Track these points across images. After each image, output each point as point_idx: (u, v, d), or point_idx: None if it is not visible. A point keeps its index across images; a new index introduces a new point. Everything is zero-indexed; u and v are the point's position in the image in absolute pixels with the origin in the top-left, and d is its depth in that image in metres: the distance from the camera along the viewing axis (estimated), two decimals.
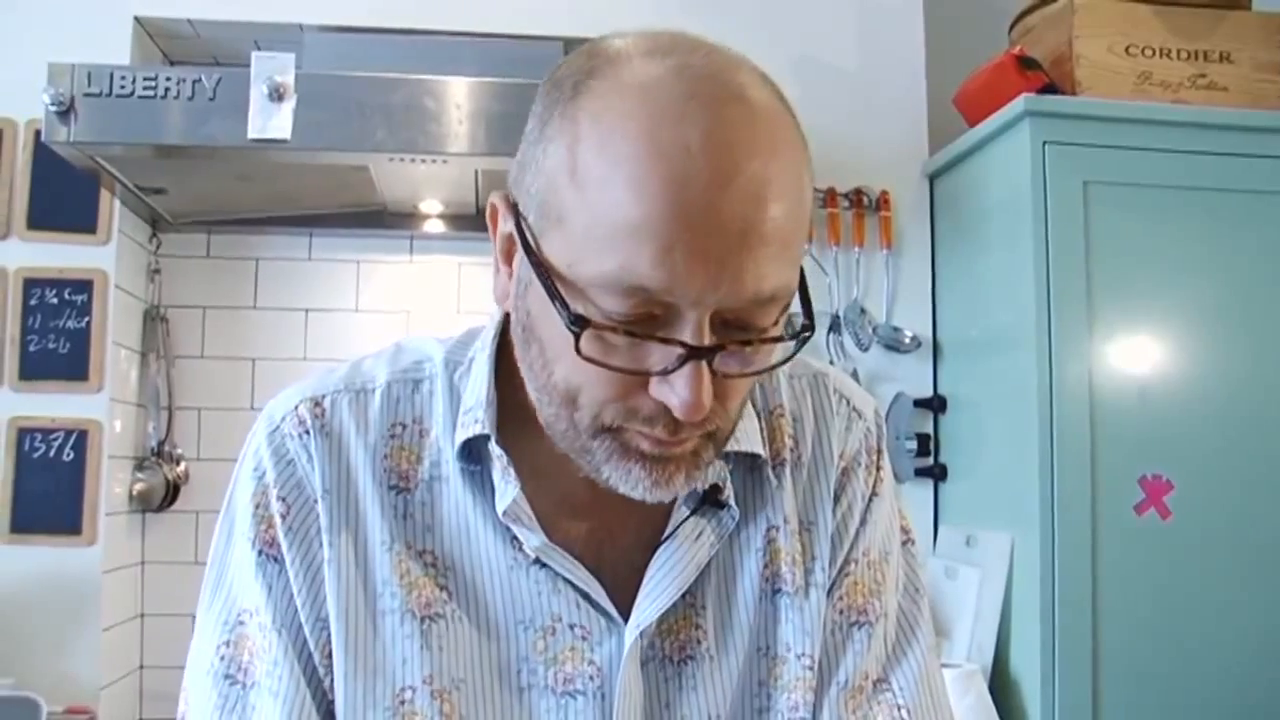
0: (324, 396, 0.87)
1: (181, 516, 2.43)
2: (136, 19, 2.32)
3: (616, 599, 0.85)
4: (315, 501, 0.84)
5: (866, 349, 2.37)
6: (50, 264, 2.25)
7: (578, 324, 0.69)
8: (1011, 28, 2.41)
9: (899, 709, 0.90)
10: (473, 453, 0.85)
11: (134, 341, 2.39)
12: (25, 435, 2.21)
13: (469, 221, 2.49)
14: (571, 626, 0.84)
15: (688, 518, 0.86)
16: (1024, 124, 2.08)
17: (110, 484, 2.23)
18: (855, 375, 2.36)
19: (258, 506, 0.85)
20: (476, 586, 0.85)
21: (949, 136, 2.38)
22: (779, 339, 0.73)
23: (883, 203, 2.42)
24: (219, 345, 2.48)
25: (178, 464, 2.42)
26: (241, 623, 0.84)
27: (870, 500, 0.94)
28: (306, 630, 0.83)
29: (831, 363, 2.36)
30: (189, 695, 0.87)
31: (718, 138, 0.68)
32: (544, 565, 0.84)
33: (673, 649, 0.87)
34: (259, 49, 2.33)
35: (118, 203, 2.28)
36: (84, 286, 2.25)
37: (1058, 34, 2.19)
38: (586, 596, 0.84)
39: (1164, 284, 2.09)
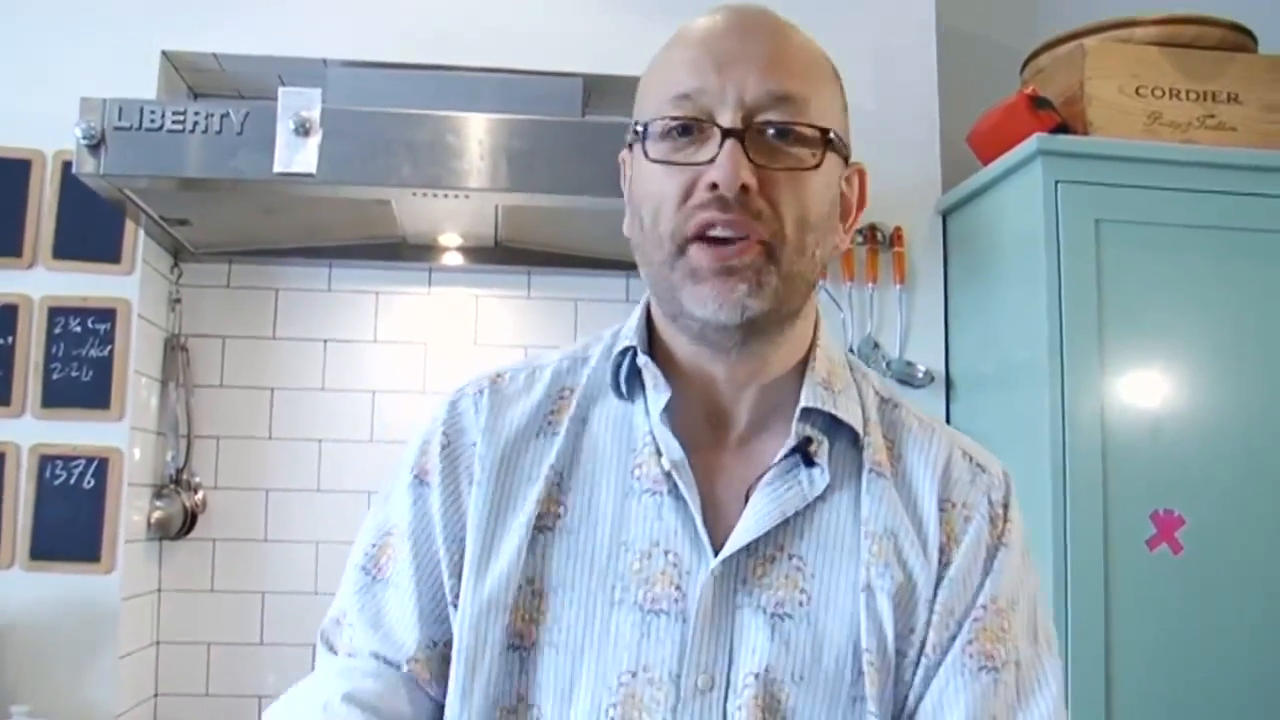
0: (505, 372, 1.06)
1: (199, 544, 2.44)
2: (164, 53, 2.36)
3: (715, 538, 0.94)
4: (475, 441, 1.01)
5: None
6: (74, 293, 2.28)
7: (641, 133, 0.94)
8: (1023, 68, 2.45)
9: None
10: (621, 382, 1.00)
11: (155, 370, 2.41)
12: (47, 463, 2.23)
13: (487, 254, 2.52)
14: (666, 552, 0.94)
15: (775, 465, 0.95)
16: (1036, 163, 2.12)
17: (129, 512, 2.25)
18: None
19: (425, 443, 1.03)
20: (592, 508, 0.97)
21: (961, 174, 2.41)
22: (800, 124, 0.91)
23: (896, 239, 2.45)
24: (238, 374, 2.51)
25: (196, 492, 2.44)
26: (389, 533, 1.03)
27: (998, 550, 0.99)
28: (440, 544, 0.99)
29: None
30: (342, 580, 1.05)
31: (742, 16, 0.95)
32: (653, 494, 0.96)
33: (770, 602, 0.93)
34: (283, 83, 2.38)
35: (141, 233, 2.31)
36: (107, 315, 2.27)
37: (1069, 75, 2.23)
38: (690, 523, 0.94)
39: (1175, 320, 2.12)
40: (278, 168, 1.97)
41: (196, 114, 1.98)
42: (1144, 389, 2.10)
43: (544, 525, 0.96)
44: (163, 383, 2.45)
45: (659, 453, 0.96)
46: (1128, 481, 2.05)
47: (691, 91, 0.91)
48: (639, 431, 0.98)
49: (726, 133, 0.89)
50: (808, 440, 0.96)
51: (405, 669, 0.98)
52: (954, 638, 0.95)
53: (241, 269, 2.53)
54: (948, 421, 2.41)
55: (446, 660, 0.97)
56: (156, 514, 2.37)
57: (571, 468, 0.98)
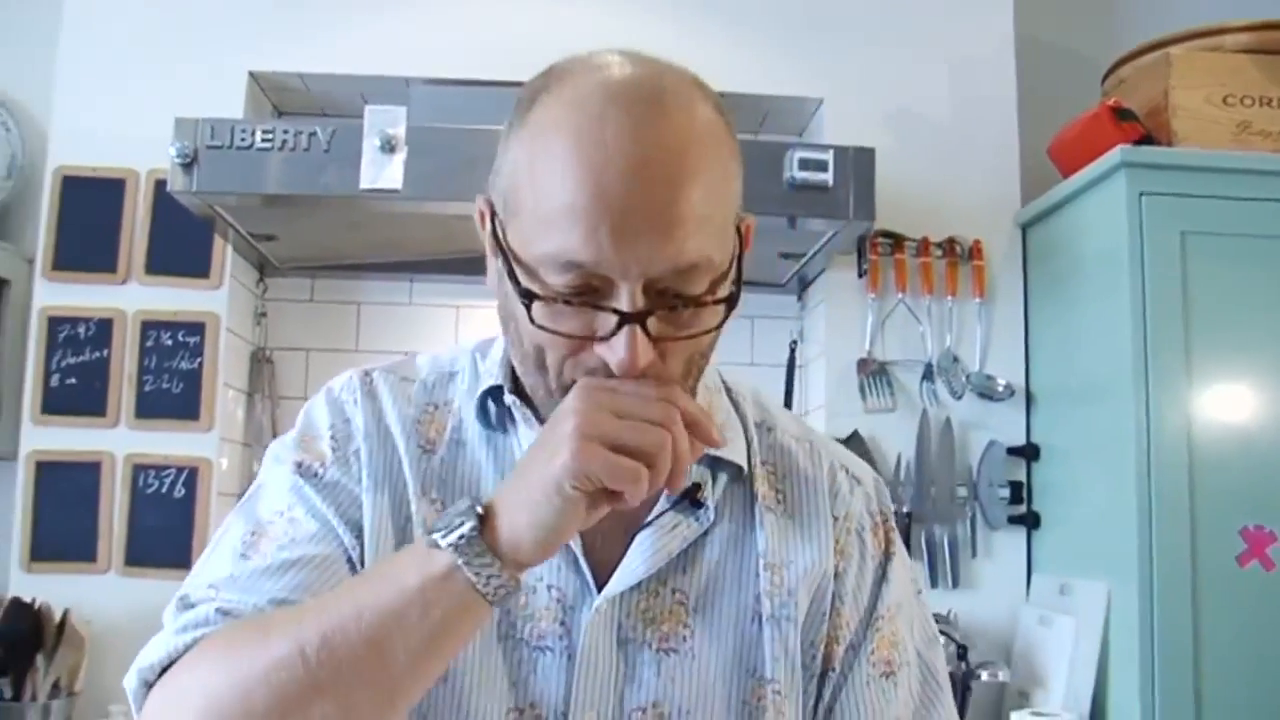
0: (373, 371, 1.02)
1: None
2: (251, 74, 2.42)
3: (598, 575, 0.93)
4: (360, 444, 0.96)
5: (960, 397, 2.38)
6: (166, 307, 2.34)
7: (527, 296, 0.82)
8: (1104, 79, 2.42)
9: None
10: (490, 416, 0.97)
11: (241, 382, 2.47)
12: (140, 472, 2.30)
13: None
14: (550, 588, 0.92)
15: (666, 510, 0.94)
16: (1120, 175, 2.09)
17: (218, 520, 2.31)
18: (948, 422, 2.38)
19: (309, 444, 0.97)
20: None
21: (1041, 187, 2.39)
22: (705, 303, 0.84)
23: (975, 252, 2.43)
24: (321, 386, 2.55)
25: None
26: (271, 522, 0.94)
27: (888, 560, 1.02)
28: (340, 532, 0.92)
29: (925, 410, 2.38)
30: (201, 564, 0.95)
31: (631, 133, 0.80)
32: None
33: (655, 638, 0.93)
34: (366, 102, 2.42)
35: (229, 248, 2.37)
36: (197, 329, 2.34)
37: (1153, 85, 2.20)
38: (572, 560, 0.92)
39: (1263, 334, 2.08)
40: (364, 184, 2.02)
41: (285, 132, 2.03)
42: (1231, 403, 2.06)
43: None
44: (249, 395, 2.50)
45: None
46: (1216, 497, 2.01)
47: (586, 263, 0.79)
48: (515, 461, 0.95)
49: (625, 316, 0.80)
50: (695, 486, 0.94)
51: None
52: (856, 649, 0.98)
53: (324, 283, 2.58)
54: (1028, 439, 2.40)
55: None
56: None
57: (452, 493, 0.95)
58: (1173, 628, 1.97)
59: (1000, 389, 2.40)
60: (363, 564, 0.92)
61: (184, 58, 2.40)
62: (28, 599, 2.14)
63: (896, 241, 2.41)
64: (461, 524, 0.79)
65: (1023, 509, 2.39)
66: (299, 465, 0.96)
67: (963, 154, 2.49)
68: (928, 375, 2.39)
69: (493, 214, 0.88)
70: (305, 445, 0.98)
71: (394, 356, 2.49)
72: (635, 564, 0.92)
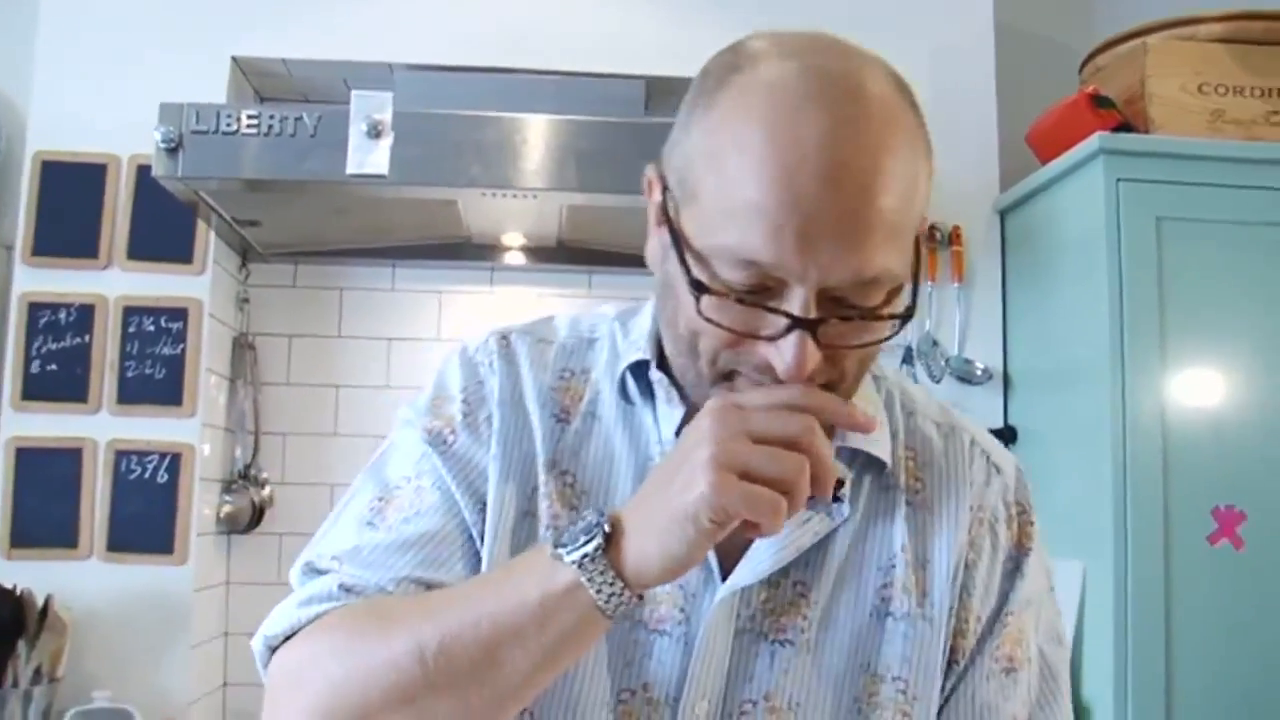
0: (511, 334, 1.01)
1: (266, 539, 2.50)
2: (234, 59, 2.41)
3: (725, 563, 0.91)
4: (492, 410, 0.95)
5: (939, 380, 2.41)
6: (148, 293, 2.33)
7: (698, 288, 0.79)
8: (1081, 67, 2.45)
9: None
10: (630, 391, 0.95)
11: (224, 368, 2.47)
12: (122, 457, 2.29)
13: (549, 254, 2.56)
14: None
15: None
16: (1098, 161, 2.13)
17: (200, 506, 2.31)
18: None
19: (441, 408, 0.97)
20: None
21: (1020, 173, 2.43)
22: (881, 317, 0.81)
23: (954, 238, 2.46)
24: (304, 372, 2.56)
25: (263, 487, 2.50)
26: (398, 488, 0.95)
27: (1021, 555, 0.99)
28: (462, 503, 0.93)
29: None
30: (329, 528, 0.97)
31: (830, 132, 0.76)
32: None
33: (772, 628, 0.92)
34: (349, 88, 2.42)
35: (212, 234, 2.36)
36: (179, 314, 2.33)
37: (1130, 73, 2.23)
38: None
39: (1237, 318, 2.12)
40: (350, 169, 2.02)
41: (271, 118, 2.02)
42: (1205, 386, 2.10)
43: (559, 526, 0.92)
44: (231, 380, 2.50)
45: None
46: (1188, 478, 2.06)
47: (765, 263, 0.77)
48: (650, 440, 0.94)
49: (797, 321, 0.77)
50: (839, 482, 0.90)
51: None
52: (981, 642, 0.96)
53: (307, 269, 2.58)
54: (1005, 422, 2.43)
55: None
56: (226, 508, 2.43)
57: (584, 467, 0.94)
58: (1145, 605, 2.02)
59: (979, 373, 2.43)
60: (483, 537, 0.92)
61: (166, 43, 2.39)
62: (9, 585, 2.13)
63: None
64: (587, 541, 0.77)
65: None
66: (429, 431, 0.95)
67: (942, 141, 2.45)
68: (907, 359, 2.42)
69: (664, 187, 0.85)
70: (436, 409, 0.97)
71: (377, 342, 2.55)
72: (764, 557, 0.91)
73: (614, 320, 1.01)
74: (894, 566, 0.94)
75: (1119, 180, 2.11)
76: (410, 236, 2.48)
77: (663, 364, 0.93)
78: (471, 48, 2.43)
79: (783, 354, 0.78)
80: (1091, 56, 2.41)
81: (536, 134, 2.06)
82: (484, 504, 0.93)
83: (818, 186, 0.75)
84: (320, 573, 0.92)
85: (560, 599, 0.77)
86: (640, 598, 0.78)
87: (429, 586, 0.89)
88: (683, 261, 0.80)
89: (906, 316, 0.82)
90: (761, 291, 0.78)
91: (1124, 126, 2.16)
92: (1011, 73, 2.59)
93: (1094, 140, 2.12)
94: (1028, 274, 2.43)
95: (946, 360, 2.42)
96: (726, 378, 0.84)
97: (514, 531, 0.92)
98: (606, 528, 0.77)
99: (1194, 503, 2.05)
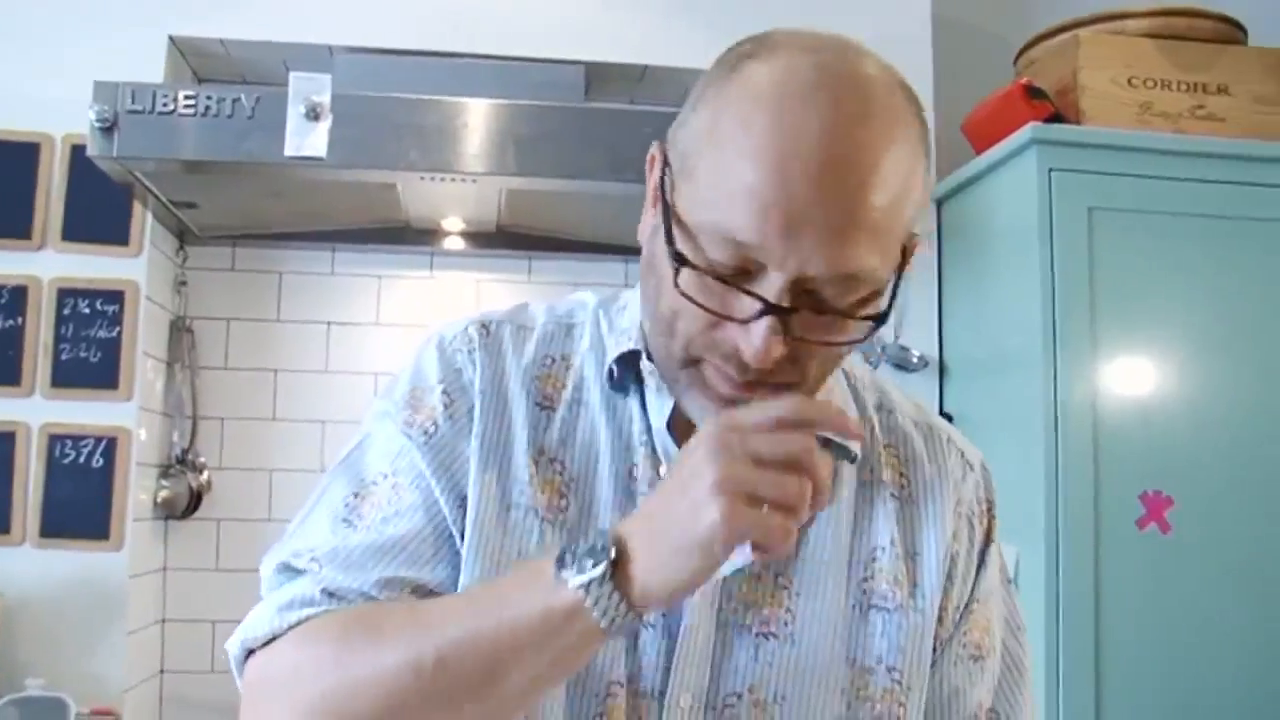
0: (492, 322, 0.99)
1: (204, 524, 2.48)
2: (171, 39, 2.38)
3: None
4: (474, 402, 0.94)
5: (876, 367, 2.44)
6: (83, 275, 2.30)
7: (678, 260, 0.80)
8: (1016, 59, 2.49)
9: None
10: (619, 379, 0.95)
11: (161, 351, 2.44)
12: (56, 441, 2.26)
13: (489, 239, 2.56)
14: None
15: None
16: (1031, 151, 2.16)
17: (136, 491, 2.28)
18: None
19: (419, 400, 0.95)
20: (591, 503, 0.93)
21: (956, 163, 2.46)
22: (854, 317, 0.81)
23: None
24: (243, 356, 2.54)
25: (201, 473, 2.47)
26: (374, 484, 0.94)
27: (986, 546, 1.03)
28: (444, 503, 0.91)
29: None
30: (303, 520, 0.96)
31: (834, 128, 0.77)
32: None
33: (756, 621, 0.92)
34: (288, 69, 2.40)
35: (149, 216, 2.34)
36: (115, 297, 2.30)
37: (1062, 65, 2.27)
38: None
39: (1166, 307, 2.17)
40: (289, 151, 2.00)
41: (209, 99, 2.00)
42: (1135, 374, 2.15)
43: (548, 518, 0.92)
44: (169, 364, 2.47)
45: (656, 457, 0.93)
46: (1118, 464, 2.10)
47: (747, 243, 0.78)
48: (635, 428, 0.94)
49: (769, 307, 0.78)
50: None
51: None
52: (952, 630, 0.99)
53: (246, 252, 2.56)
54: (940, 408, 2.47)
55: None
56: (163, 493, 2.40)
57: (572, 456, 0.94)
58: (1076, 588, 2.06)
59: (915, 360, 2.46)
60: (463, 534, 0.91)
61: (102, 20, 2.34)
62: None
63: None
64: (594, 565, 0.76)
65: None
66: (408, 425, 0.94)
67: None
68: None
69: (665, 164, 0.86)
70: (414, 400, 0.96)
71: (316, 327, 2.53)
72: (745, 546, 0.90)
73: (595, 308, 1.01)
74: (875, 560, 0.95)
75: (1051, 170, 2.15)
76: (349, 220, 2.47)
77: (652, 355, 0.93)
78: (412, 31, 2.41)
79: (751, 338, 0.79)
80: (1026, 48, 2.45)
81: (476, 118, 2.06)
82: (464, 499, 0.92)
83: (813, 175, 0.76)
84: (298, 572, 0.91)
85: (563, 621, 0.77)
86: (641, 618, 0.78)
87: (413, 588, 0.89)
88: (668, 234, 0.81)
89: (880, 320, 0.82)
90: (741, 275, 0.79)
91: (1056, 117, 2.20)
92: (948, 64, 2.62)
93: (1027, 131, 2.16)
94: (963, 262, 2.47)
95: (883, 347, 2.46)
96: (694, 364, 0.85)
97: (497, 523, 0.91)
98: (613, 552, 0.76)
99: (1123, 488, 2.11)
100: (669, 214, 0.83)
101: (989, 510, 1.04)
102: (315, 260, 2.58)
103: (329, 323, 2.57)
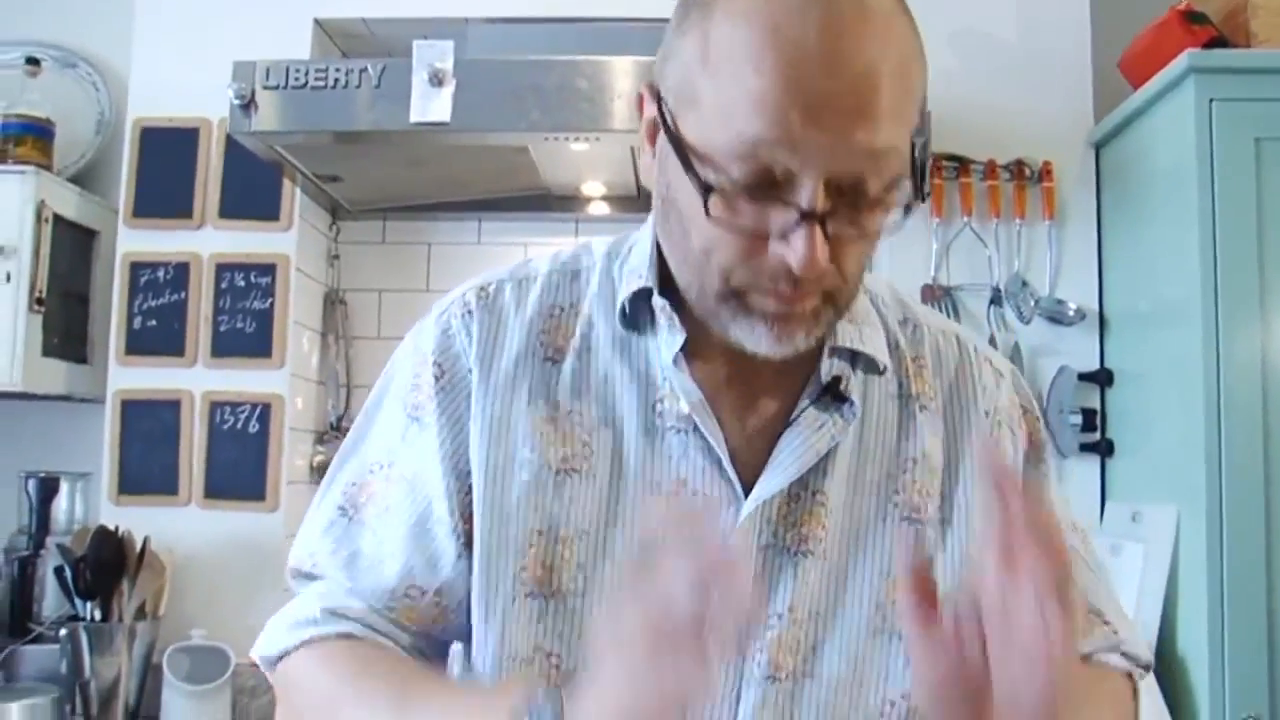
0: (490, 284, 0.99)
1: None
2: (316, 20, 2.47)
3: (744, 478, 0.91)
4: (469, 370, 0.94)
5: (1028, 321, 2.31)
6: (238, 249, 2.42)
7: (705, 189, 0.79)
8: None
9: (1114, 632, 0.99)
10: (631, 318, 0.93)
11: (315, 323, 2.54)
12: (217, 408, 2.38)
13: (631, 203, 2.55)
14: (694, 493, 0.90)
15: (808, 407, 0.92)
16: (1189, 81, 1.99)
17: (292, 455, 2.39)
18: (1017, 348, 2.31)
19: (415, 375, 0.96)
20: (614, 447, 0.92)
21: (1116, 104, 2.30)
22: (885, 205, 0.81)
23: (1045, 174, 2.35)
24: (394, 326, 2.61)
25: None
26: (371, 472, 0.97)
27: (1040, 449, 1.03)
28: (442, 486, 0.93)
29: (992, 337, 2.31)
30: (310, 515, 1.01)
31: (833, 27, 0.76)
32: (678, 432, 0.91)
33: (793, 540, 0.91)
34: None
35: (299, 192, 2.43)
36: (268, 270, 2.41)
37: None
38: (717, 464, 0.90)
39: None
40: (414, 117, 2.04)
41: (337, 71, 2.07)
42: None
43: (569, 468, 0.91)
44: (323, 335, 2.57)
45: (674, 393, 0.92)
46: None
47: (768, 142, 0.76)
48: (653, 365, 0.93)
49: (806, 215, 0.77)
50: (836, 379, 0.92)
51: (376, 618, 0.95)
52: None
53: (395, 225, 2.64)
54: (1101, 363, 2.32)
55: (430, 605, 0.95)
56: (318, 458, 2.50)
57: (585, 401, 0.93)
58: (1243, 552, 1.89)
59: (1071, 313, 2.32)
60: (466, 510, 0.93)
61: (252, 6, 2.46)
62: (112, 528, 2.24)
63: (962, 165, 2.34)
64: None
65: (1096, 436, 2.32)
66: (405, 404, 0.96)
67: (1032, 73, 2.40)
68: (995, 300, 2.33)
69: (659, 101, 0.84)
70: (412, 375, 0.97)
71: None
72: (785, 464, 0.90)
73: (603, 252, 1.00)
74: (906, 473, 0.94)
75: (1212, 100, 1.97)
76: (491, 189, 2.50)
77: (663, 291, 0.92)
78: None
79: (794, 248, 0.78)
80: None
81: (598, 76, 2.05)
82: (468, 470, 0.93)
83: (821, 70, 0.75)
84: (310, 578, 0.98)
85: None
86: None
87: (422, 591, 0.93)
88: (688, 166, 0.80)
89: (909, 206, 0.82)
90: (770, 187, 0.78)
91: (1218, 41, 2.02)
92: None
93: (1183, 58, 1.98)
94: (1123, 208, 2.30)
95: (1036, 301, 2.32)
96: (738, 296, 0.83)
97: (503, 488, 0.92)
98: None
99: None
100: (681, 146, 0.80)
101: (1027, 414, 1.02)
102: (462, 230, 2.64)
103: None
